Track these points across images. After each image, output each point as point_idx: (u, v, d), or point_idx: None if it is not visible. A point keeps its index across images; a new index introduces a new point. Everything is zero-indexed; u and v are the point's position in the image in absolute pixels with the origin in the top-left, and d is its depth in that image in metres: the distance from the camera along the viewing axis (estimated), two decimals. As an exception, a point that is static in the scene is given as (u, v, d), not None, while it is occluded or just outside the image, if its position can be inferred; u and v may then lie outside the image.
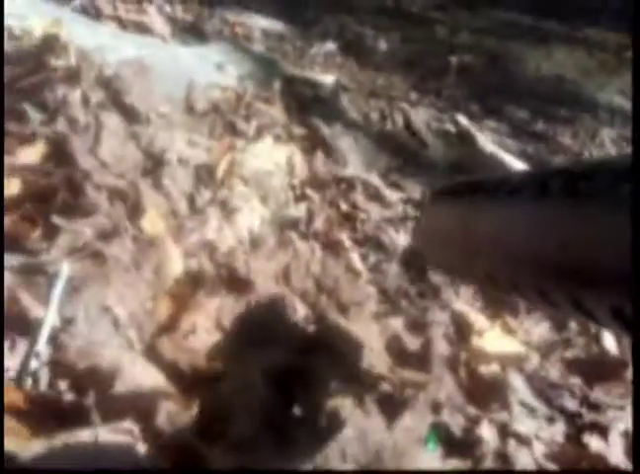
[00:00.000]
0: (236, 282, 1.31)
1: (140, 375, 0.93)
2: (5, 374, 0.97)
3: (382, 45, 3.55)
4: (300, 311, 1.40)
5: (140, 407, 0.86)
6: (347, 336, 1.25)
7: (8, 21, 1.62)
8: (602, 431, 1.43)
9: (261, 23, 3.37)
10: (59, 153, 1.32)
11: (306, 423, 1.02)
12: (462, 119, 2.43)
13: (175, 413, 0.87)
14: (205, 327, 1.17)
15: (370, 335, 1.37)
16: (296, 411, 1.06)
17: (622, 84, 3.40)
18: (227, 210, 1.55)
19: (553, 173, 0.51)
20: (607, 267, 0.42)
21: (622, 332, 0.45)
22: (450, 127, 2.41)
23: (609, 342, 1.68)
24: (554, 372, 1.58)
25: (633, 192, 0.39)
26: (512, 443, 1.31)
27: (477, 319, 1.62)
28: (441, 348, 1.46)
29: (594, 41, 4.07)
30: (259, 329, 1.21)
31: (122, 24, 2.25)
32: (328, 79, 2.69)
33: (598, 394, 1.53)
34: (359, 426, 1.04)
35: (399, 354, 1.39)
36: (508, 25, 4.26)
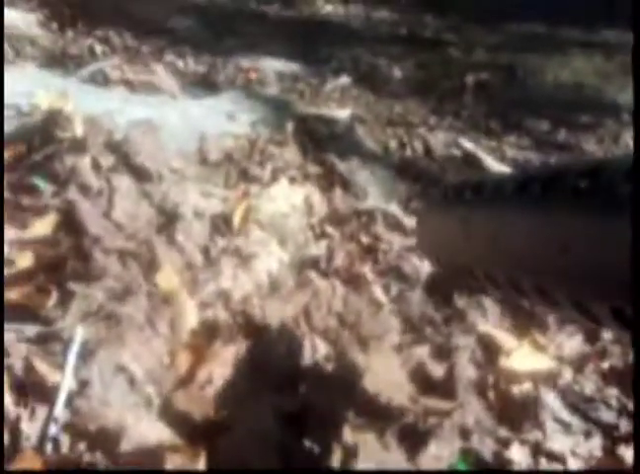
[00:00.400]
0: (253, 328, 1.33)
1: (146, 431, 0.95)
2: (27, 442, 1.00)
3: (397, 73, 3.58)
4: (322, 349, 1.41)
5: (148, 462, 0.89)
6: (361, 371, 1.26)
7: (16, 99, 1.69)
8: (641, 441, 1.40)
9: (275, 65, 3.43)
10: (69, 222, 1.37)
11: (322, 461, 1.03)
12: (466, 143, 2.44)
13: (183, 465, 0.90)
14: (223, 376, 1.19)
15: (392, 367, 1.38)
16: (312, 449, 1.07)
17: (643, 83, 3.38)
18: (243, 257, 1.58)
19: (555, 172, 0.51)
20: (608, 266, 0.43)
21: (623, 332, 0.45)
22: (456, 152, 2.42)
23: (646, 347, 1.65)
24: (590, 385, 1.56)
25: (634, 191, 0.40)
26: (544, 462, 1.30)
27: (505, 339, 1.60)
28: (468, 372, 1.45)
29: (611, 44, 4.04)
30: (268, 369, 1.22)
31: (131, 86, 2.32)
32: (343, 114, 2.72)
33: (636, 403, 1.51)
34: (377, 458, 1.05)
35: (424, 382, 1.40)
36: (522, 37, 4.26)
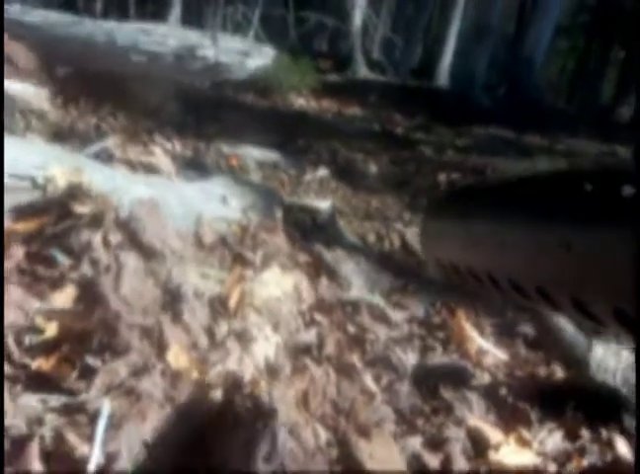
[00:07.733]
0: (261, 412, 1.35)
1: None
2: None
3: (372, 168, 3.70)
4: (322, 436, 1.44)
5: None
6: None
7: (30, 171, 1.72)
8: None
9: (254, 153, 3.52)
10: (89, 296, 1.39)
11: None
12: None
13: None
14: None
15: (392, 454, 1.41)
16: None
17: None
18: (244, 341, 1.61)
19: (556, 175, 0.53)
20: (611, 268, 0.44)
21: (624, 333, 0.47)
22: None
23: (623, 448, 1.71)
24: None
25: (636, 193, 0.42)
26: None
27: (492, 433, 1.64)
28: (461, 464, 1.49)
29: (574, 151, 4.24)
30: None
31: (132, 165, 2.37)
32: (324, 204, 2.79)
33: (615, 502, 1.55)
34: None
35: (420, 472, 1.43)
36: (491, 140, 4.45)
